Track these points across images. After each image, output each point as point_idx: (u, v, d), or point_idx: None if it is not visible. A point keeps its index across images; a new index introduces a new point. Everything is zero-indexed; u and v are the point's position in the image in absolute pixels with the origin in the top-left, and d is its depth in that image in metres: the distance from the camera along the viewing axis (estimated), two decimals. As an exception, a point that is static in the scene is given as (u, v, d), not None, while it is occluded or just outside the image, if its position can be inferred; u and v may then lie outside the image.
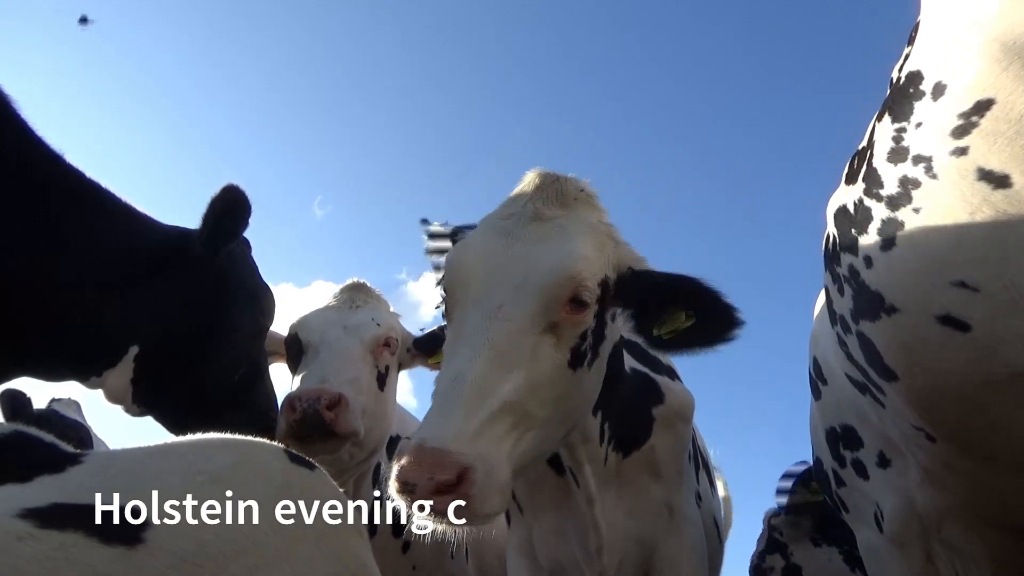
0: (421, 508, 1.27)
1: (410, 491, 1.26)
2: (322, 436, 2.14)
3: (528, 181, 1.83)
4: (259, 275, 2.43)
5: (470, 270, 1.62)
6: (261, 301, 2.34)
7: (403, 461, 1.28)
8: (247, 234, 2.25)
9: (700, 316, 1.65)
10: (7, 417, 3.30)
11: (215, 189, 2.07)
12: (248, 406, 2.26)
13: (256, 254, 2.47)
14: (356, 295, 2.79)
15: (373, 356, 2.55)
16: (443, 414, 1.36)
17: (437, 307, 1.86)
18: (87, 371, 1.95)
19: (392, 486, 1.31)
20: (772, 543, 3.83)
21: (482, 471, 1.30)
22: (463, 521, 1.28)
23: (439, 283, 1.73)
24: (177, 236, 2.12)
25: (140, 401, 2.04)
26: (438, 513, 1.27)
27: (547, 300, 1.53)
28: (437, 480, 1.25)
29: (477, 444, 1.32)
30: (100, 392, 2.02)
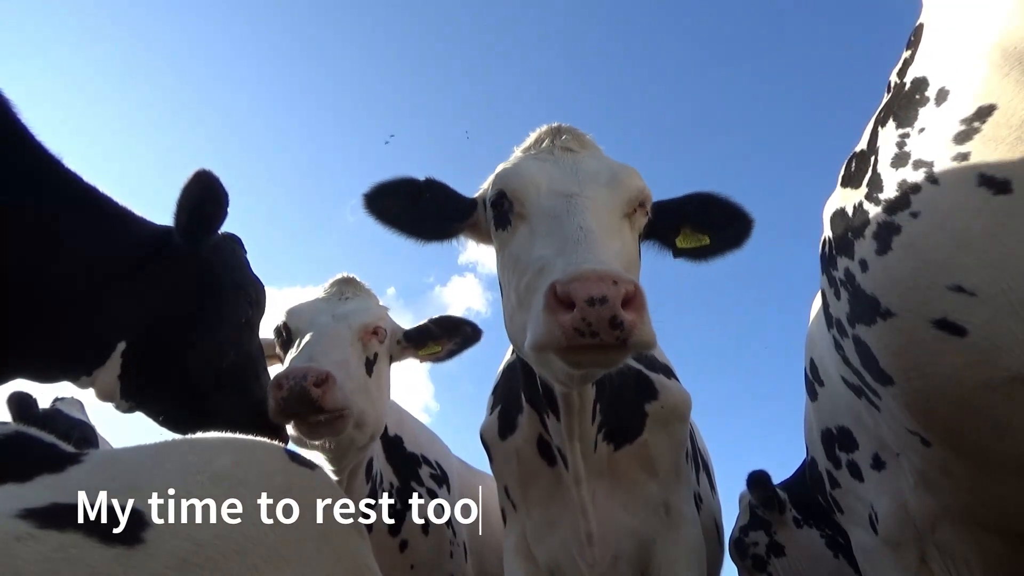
0: (615, 321, 1.23)
1: (599, 302, 1.23)
2: (310, 414, 2.15)
3: (541, 131, 2.01)
4: (249, 269, 2.43)
5: (530, 178, 1.74)
6: (249, 292, 2.33)
7: (574, 281, 1.26)
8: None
9: (714, 224, 1.93)
10: (14, 418, 3.38)
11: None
12: (237, 396, 2.25)
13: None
14: (345, 288, 2.87)
15: (361, 343, 2.58)
16: (590, 250, 1.41)
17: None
18: (79, 371, 1.95)
19: (575, 310, 1.25)
20: (755, 520, 3.85)
21: (643, 295, 1.31)
22: (635, 338, 1.26)
23: (490, 198, 1.85)
24: (163, 232, 2.12)
25: (128, 395, 2.03)
26: (619, 327, 1.24)
27: (623, 192, 1.74)
28: (625, 290, 1.25)
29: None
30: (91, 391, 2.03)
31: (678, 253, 1.99)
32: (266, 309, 2.49)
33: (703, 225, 1.97)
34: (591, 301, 1.24)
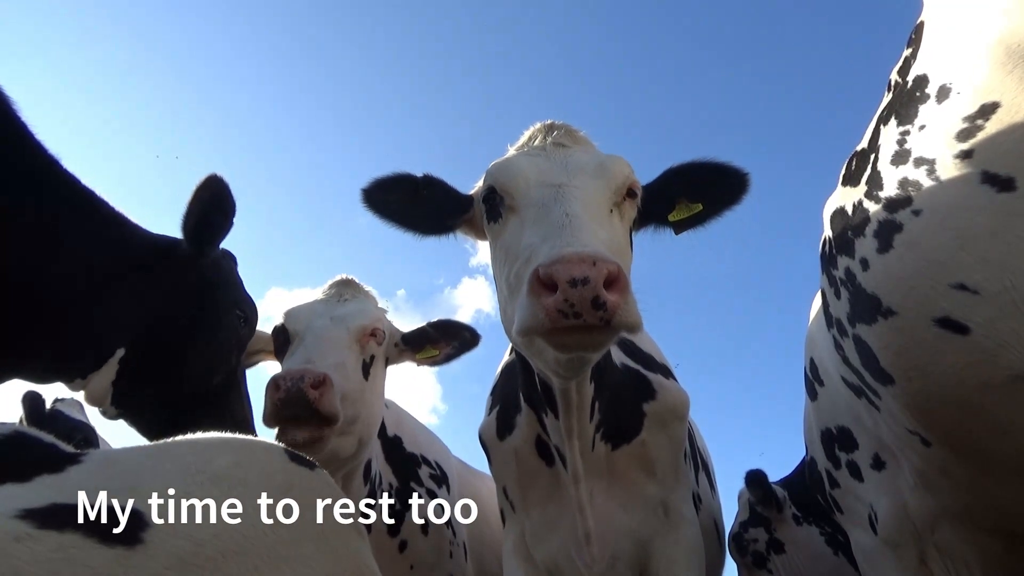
0: (597, 302, 1.24)
1: (580, 283, 1.24)
2: (306, 416, 2.13)
3: (535, 129, 2.04)
4: (243, 288, 2.45)
5: (519, 171, 1.76)
6: (244, 311, 2.37)
7: (556, 264, 1.27)
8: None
9: (707, 190, 1.94)
10: (27, 417, 3.43)
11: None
12: (221, 414, 2.28)
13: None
14: (344, 289, 2.86)
15: (359, 345, 2.57)
16: (574, 235, 1.42)
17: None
18: (75, 372, 1.96)
19: (557, 291, 1.26)
20: (755, 516, 3.86)
21: (626, 276, 1.31)
22: (618, 319, 1.27)
23: (482, 193, 1.88)
24: (165, 243, 2.14)
25: (117, 402, 2.05)
26: (602, 307, 1.25)
27: (610, 180, 1.75)
28: (607, 270, 1.25)
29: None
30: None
31: (677, 228, 2.00)
32: (255, 329, 2.52)
33: (697, 195, 1.97)
34: (573, 282, 1.25)
